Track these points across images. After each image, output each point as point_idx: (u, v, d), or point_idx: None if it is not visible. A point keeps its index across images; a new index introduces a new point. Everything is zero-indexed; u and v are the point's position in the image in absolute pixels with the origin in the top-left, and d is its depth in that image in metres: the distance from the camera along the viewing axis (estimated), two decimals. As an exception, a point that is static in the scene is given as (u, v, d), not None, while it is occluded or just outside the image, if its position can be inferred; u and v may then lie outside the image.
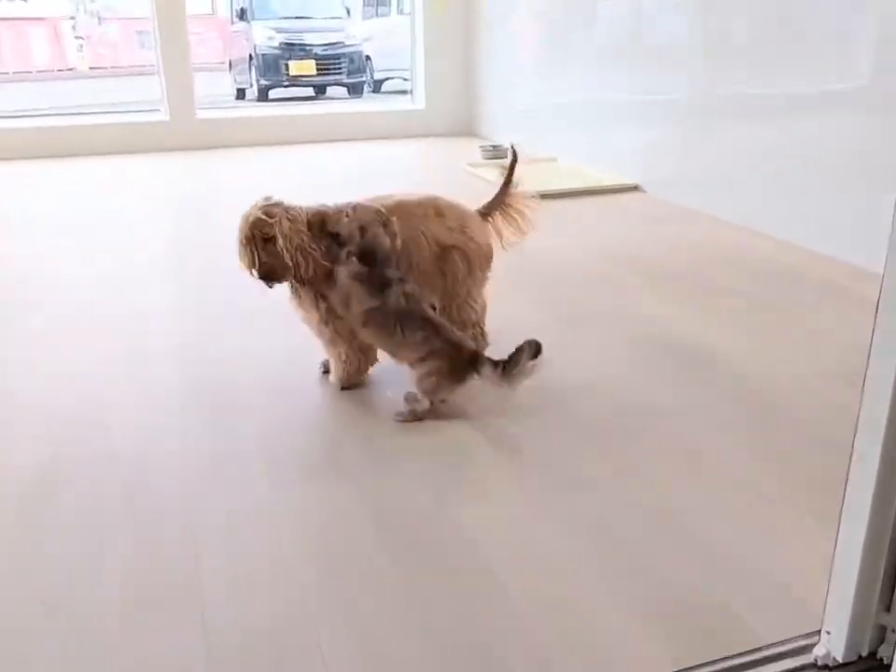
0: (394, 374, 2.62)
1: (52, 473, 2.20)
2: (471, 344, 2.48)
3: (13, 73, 16.78)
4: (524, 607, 1.69)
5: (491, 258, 2.80)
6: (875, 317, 1.29)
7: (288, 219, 2.45)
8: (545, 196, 5.19)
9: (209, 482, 2.16)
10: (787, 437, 2.35)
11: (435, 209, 2.69)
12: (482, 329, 2.84)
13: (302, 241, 2.44)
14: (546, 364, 2.82)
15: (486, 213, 2.85)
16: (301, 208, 2.51)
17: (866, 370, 1.32)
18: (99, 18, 17.90)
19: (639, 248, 4.19)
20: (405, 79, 9.37)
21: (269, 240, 2.45)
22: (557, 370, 2.82)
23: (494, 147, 6.68)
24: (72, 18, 17.73)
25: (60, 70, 17.47)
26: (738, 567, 1.79)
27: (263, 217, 2.45)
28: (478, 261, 2.73)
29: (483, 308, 2.85)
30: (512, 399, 2.60)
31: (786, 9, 4.15)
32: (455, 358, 2.40)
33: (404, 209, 2.61)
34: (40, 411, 2.56)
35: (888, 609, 1.41)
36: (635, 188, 5.43)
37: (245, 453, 2.30)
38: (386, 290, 2.42)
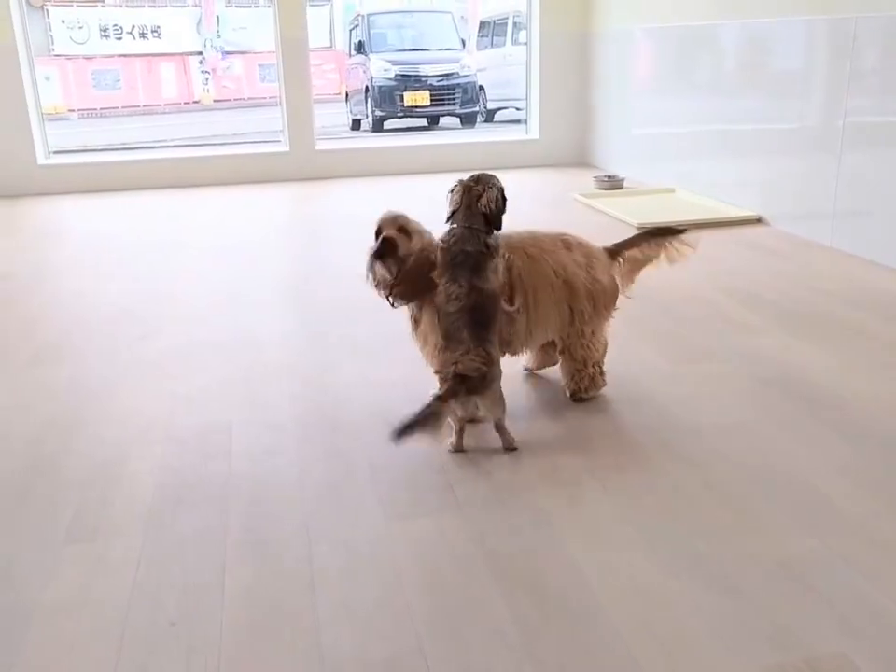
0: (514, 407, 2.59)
1: (174, 496, 2.25)
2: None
3: (143, 106, 17.66)
4: (637, 650, 1.63)
5: (616, 297, 2.74)
6: None
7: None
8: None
9: (325, 511, 2.16)
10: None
11: (564, 242, 2.67)
12: (600, 367, 2.79)
13: None
14: (665, 404, 2.76)
15: (616, 252, 2.79)
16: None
17: None
18: (223, 53, 18.68)
19: (763, 284, 4.04)
20: (518, 109, 9.42)
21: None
22: (675, 411, 2.73)
23: (609, 177, 6.62)
24: (199, 53, 18.58)
25: (186, 103, 18.30)
26: (866, 622, 1.68)
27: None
28: (603, 300, 2.69)
29: (605, 347, 2.79)
30: (634, 440, 2.53)
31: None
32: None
33: (534, 238, 2.66)
34: (161, 433, 2.64)
35: None
36: (757, 220, 5.26)
37: (360, 483, 2.30)
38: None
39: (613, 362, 3.07)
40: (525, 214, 5.99)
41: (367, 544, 2.02)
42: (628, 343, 3.29)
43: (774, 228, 5.12)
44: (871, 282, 3.99)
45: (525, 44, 8.26)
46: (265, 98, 15.92)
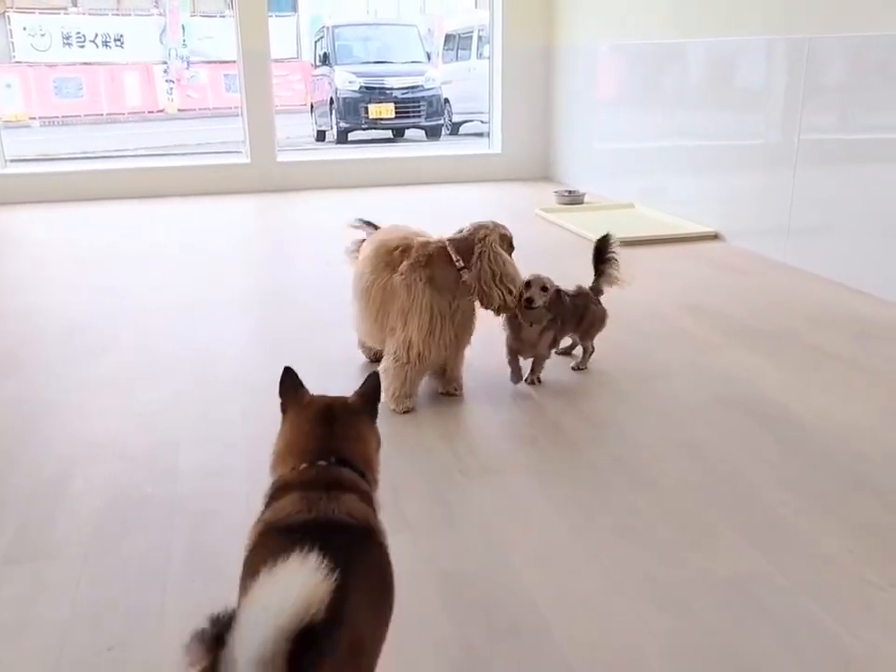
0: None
1: (119, 518, 2.21)
2: None
3: (106, 114, 17.47)
4: (579, 661, 1.63)
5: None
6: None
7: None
8: (621, 244, 5.16)
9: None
10: (874, 511, 2.23)
11: None
12: None
13: None
14: (622, 421, 2.77)
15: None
16: None
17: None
18: (188, 62, 18.55)
19: (721, 301, 4.07)
20: (483, 122, 9.44)
21: None
22: (631, 428, 2.74)
23: (569, 192, 6.65)
24: (163, 62, 18.43)
25: (150, 112, 18.13)
26: (812, 643, 1.69)
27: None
28: None
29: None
30: (590, 459, 2.54)
31: (881, 52, 4.04)
32: None
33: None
34: (109, 451, 2.59)
35: None
36: (714, 236, 5.32)
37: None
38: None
39: (569, 378, 3.08)
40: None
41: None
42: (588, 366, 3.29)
43: (730, 244, 5.17)
44: (827, 299, 4.04)
45: (489, 58, 8.29)
46: (230, 108, 15.82)
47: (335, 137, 13.65)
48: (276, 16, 17.35)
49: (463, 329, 2.91)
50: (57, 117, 17.05)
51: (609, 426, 2.76)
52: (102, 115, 17.57)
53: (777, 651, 1.68)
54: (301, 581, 0.91)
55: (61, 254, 5.32)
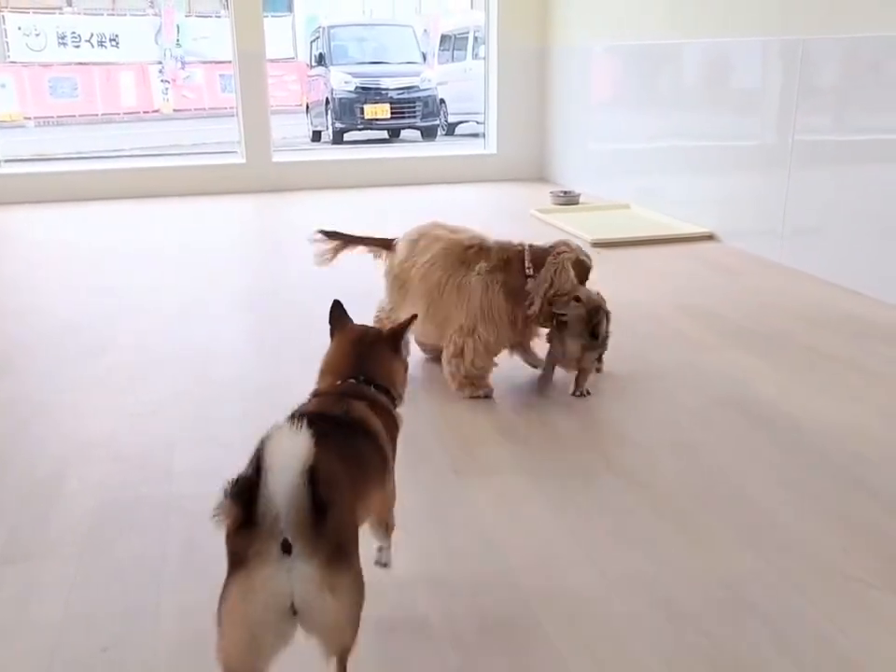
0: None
1: (113, 519, 2.21)
2: None
3: (101, 114, 17.44)
4: (564, 645, 1.63)
5: None
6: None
7: None
8: (616, 244, 5.18)
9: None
10: (870, 512, 2.23)
11: None
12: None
13: None
14: (617, 421, 2.77)
15: None
16: None
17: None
18: (183, 63, 18.53)
19: (716, 301, 4.08)
20: (478, 122, 9.45)
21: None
22: (626, 428, 2.75)
23: (565, 192, 6.66)
24: (159, 63, 18.41)
25: (145, 112, 18.11)
26: (804, 643, 1.70)
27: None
28: None
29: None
30: (584, 459, 2.54)
31: (875, 53, 4.05)
32: None
33: None
34: (103, 451, 2.59)
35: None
36: (710, 236, 5.32)
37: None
38: None
39: (564, 379, 3.08)
40: (483, 228, 6.00)
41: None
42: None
43: (725, 244, 5.18)
44: (822, 300, 4.05)
45: (484, 59, 8.29)
46: (226, 108, 15.80)
47: (331, 138, 13.65)
48: (272, 16, 17.34)
49: (526, 336, 3.06)
50: (52, 117, 17.01)
51: (604, 426, 2.76)
52: (97, 115, 17.54)
53: (771, 651, 1.69)
54: (297, 437, 1.24)
55: (56, 254, 5.32)
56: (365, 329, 1.84)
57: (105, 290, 4.40)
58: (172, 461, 2.51)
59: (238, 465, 2.38)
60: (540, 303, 2.86)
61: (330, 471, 1.33)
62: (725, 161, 5.25)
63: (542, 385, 3.04)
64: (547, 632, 1.75)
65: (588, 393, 2.99)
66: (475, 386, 2.98)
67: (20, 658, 1.68)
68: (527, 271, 2.91)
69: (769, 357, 3.32)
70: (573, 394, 2.98)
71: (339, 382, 1.71)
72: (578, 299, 2.86)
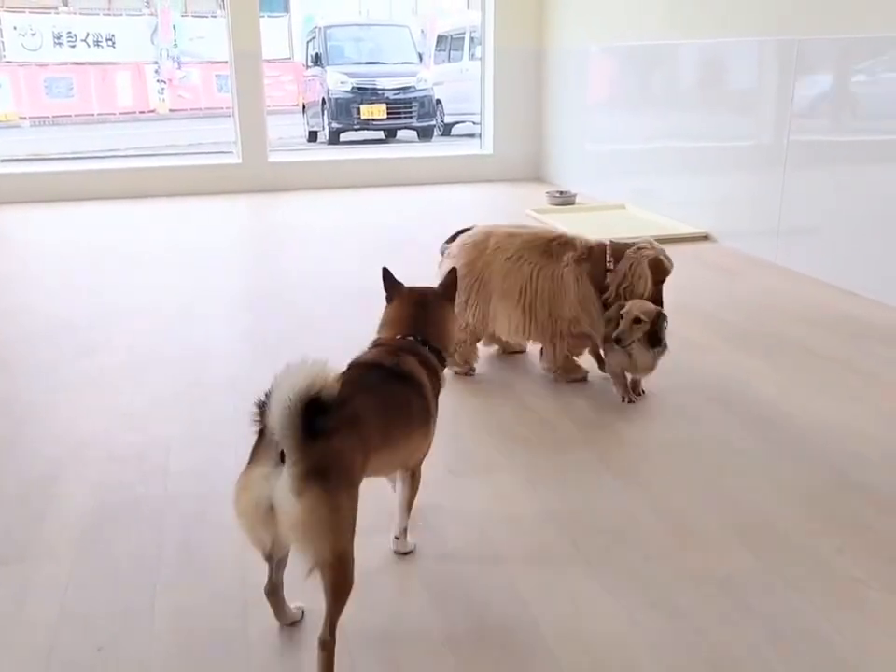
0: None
1: (109, 518, 2.20)
2: None
3: (97, 114, 17.41)
4: (568, 662, 1.64)
5: None
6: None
7: None
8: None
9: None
10: (867, 512, 2.24)
11: None
12: None
13: None
14: (610, 420, 2.77)
15: None
16: None
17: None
18: (179, 63, 18.50)
19: (712, 301, 4.08)
20: (475, 123, 9.44)
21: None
22: (620, 426, 2.75)
23: (561, 192, 6.66)
24: (155, 63, 18.38)
25: (141, 112, 18.08)
26: (799, 641, 1.70)
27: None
28: None
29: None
30: (578, 457, 2.54)
31: (870, 54, 4.06)
32: None
33: None
34: (99, 451, 2.58)
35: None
36: (705, 237, 5.33)
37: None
38: None
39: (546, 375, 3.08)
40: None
41: (304, 571, 1.98)
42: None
43: (721, 245, 5.18)
44: (818, 300, 4.05)
45: (480, 59, 8.29)
46: (222, 108, 15.76)
47: (327, 138, 13.63)
48: (268, 16, 17.33)
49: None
50: (48, 116, 16.97)
51: (601, 425, 2.76)
52: (93, 115, 17.50)
53: (766, 650, 1.69)
54: (304, 371, 1.50)
55: (51, 254, 5.30)
56: (424, 291, 2.04)
57: (98, 290, 4.39)
58: (168, 461, 2.51)
59: (234, 465, 2.39)
60: (614, 296, 2.92)
61: (351, 407, 1.60)
62: (721, 161, 5.25)
63: (624, 393, 2.94)
64: (542, 629, 1.75)
65: (643, 392, 3.00)
66: (573, 371, 3.10)
67: (16, 658, 1.68)
68: (608, 264, 2.96)
69: (765, 357, 3.32)
70: (627, 401, 2.92)
71: (398, 336, 1.94)
72: (638, 320, 2.77)
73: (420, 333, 1.95)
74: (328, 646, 1.56)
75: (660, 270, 2.97)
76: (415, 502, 2.01)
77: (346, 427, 1.57)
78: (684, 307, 3.98)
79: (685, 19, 5.59)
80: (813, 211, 4.43)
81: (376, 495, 2.26)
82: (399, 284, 2.07)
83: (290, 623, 1.76)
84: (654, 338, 2.81)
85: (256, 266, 5.15)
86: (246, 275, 4.88)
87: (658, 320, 2.82)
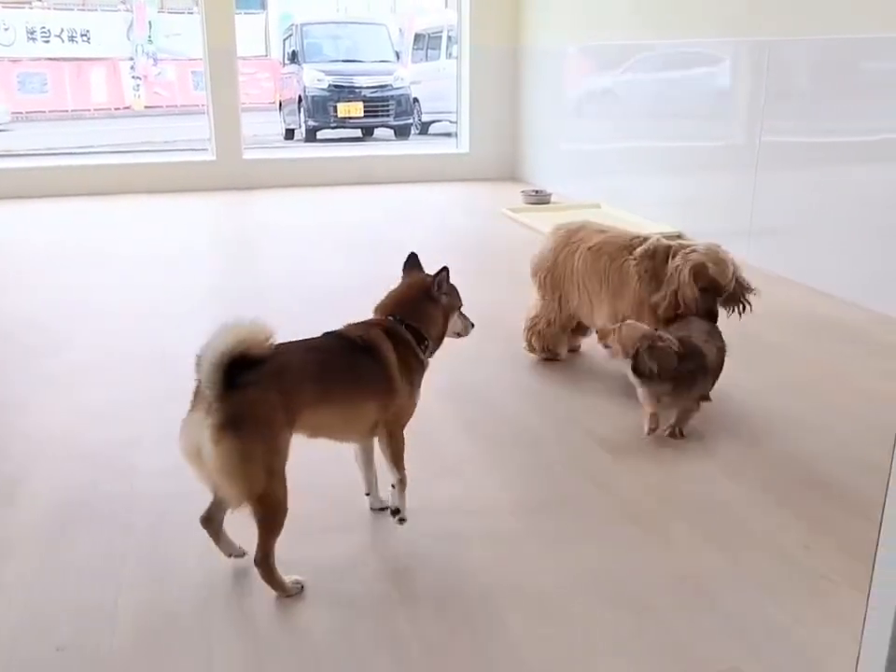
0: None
1: (74, 517, 2.18)
2: None
3: (72, 110, 17.25)
4: (538, 666, 1.64)
5: None
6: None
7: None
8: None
9: (232, 529, 2.12)
10: (832, 510, 2.26)
11: None
12: None
13: None
14: (581, 421, 2.78)
15: None
16: None
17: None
18: (155, 59, 18.37)
19: (680, 298, 4.10)
20: (452, 122, 9.45)
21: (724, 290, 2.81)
22: (590, 425, 2.76)
23: (536, 192, 6.68)
24: (130, 59, 18.24)
25: (116, 108, 17.93)
26: (762, 637, 1.71)
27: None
28: None
29: None
30: (547, 458, 2.55)
31: (841, 55, 4.10)
32: None
33: None
34: (66, 450, 2.56)
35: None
36: (678, 237, 5.35)
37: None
38: None
39: (531, 377, 3.09)
40: (454, 227, 6.01)
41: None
42: (542, 361, 3.31)
43: (695, 244, 5.21)
44: (789, 300, 4.08)
45: (457, 59, 8.30)
46: (198, 105, 15.63)
47: (304, 136, 13.58)
48: (245, 13, 17.26)
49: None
50: (21, 112, 16.79)
51: (571, 424, 2.77)
52: (67, 111, 17.34)
53: (731, 646, 1.70)
54: (236, 329, 1.72)
55: (20, 252, 5.25)
56: (416, 278, 2.15)
57: (69, 288, 4.35)
58: (135, 460, 2.49)
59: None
60: (666, 304, 2.82)
61: (276, 363, 1.76)
62: (694, 161, 5.29)
63: (651, 424, 2.63)
64: (508, 624, 1.75)
65: (683, 434, 2.63)
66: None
67: (-26, 658, 1.66)
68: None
69: (734, 355, 3.34)
70: (669, 433, 2.63)
71: (383, 317, 2.06)
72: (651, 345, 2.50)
73: (400, 313, 2.06)
74: (261, 564, 1.78)
75: (702, 276, 2.78)
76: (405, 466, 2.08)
77: (266, 381, 1.72)
78: (656, 306, 4.00)
79: (659, 19, 5.61)
80: (784, 212, 4.47)
81: (344, 492, 2.26)
82: (411, 269, 2.20)
83: (230, 554, 1.93)
84: (636, 368, 2.51)
85: (229, 264, 5.13)
86: (220, 273, 4.85)
87: (640, 348, 2.49)
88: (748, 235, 4.73)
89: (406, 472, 2.09)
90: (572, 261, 3.12)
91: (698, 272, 2.79)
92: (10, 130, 15.18)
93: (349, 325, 2.03)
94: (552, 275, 3.21)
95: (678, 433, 2.63)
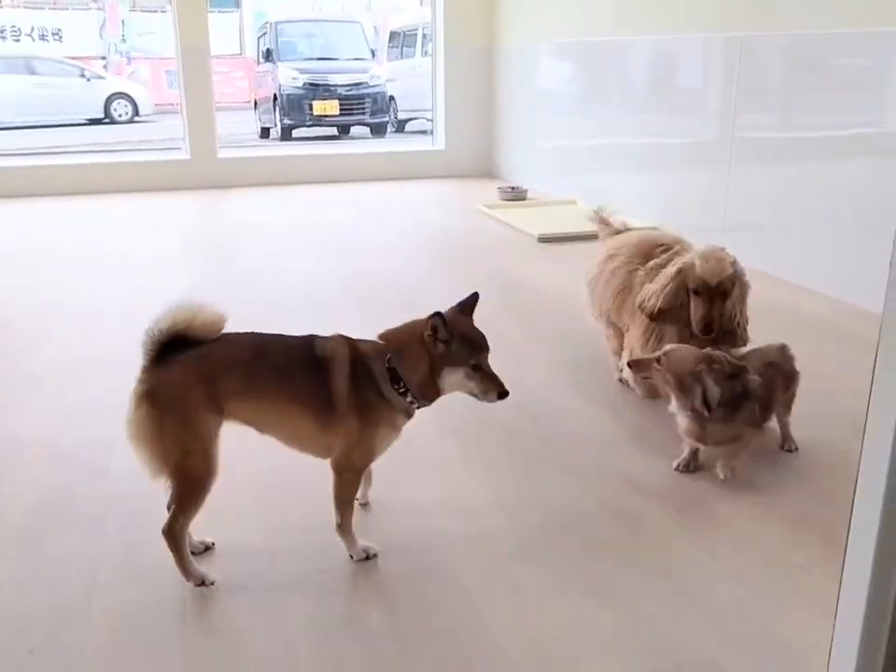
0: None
1: (49, 517, 2.16)
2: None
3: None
4: (516, 660, 1.64)
5: None
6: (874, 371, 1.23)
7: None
8: (562, 239, 5.21)
9: (209, 528, 2.10)
10: (809, 502, 2.28)
11: None
12: None
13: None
14: (559, 414, 2.78)
15: None
16: None
17: (866, 420, 1.25)
18: (128, 58, 18.23)
19: (656, 293, 4.12)
20: (428, 120, 9.44)
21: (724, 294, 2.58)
22: (569, 414, 2.76)
23: (512, 188, 6.69)
24: (103, 58, 18.09)
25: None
26: (740, 629, 1.72)
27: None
28: None
29: None
30: (526, 452, 2.55)
31: (813, 50, 4.13)
32: None
33: None
34: (42, 450, 2.53)
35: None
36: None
37: (247, 500, 2.25)
38: None
39: (505, 367, 3.08)
40: (431, 224, 6.01)
41: (249, 561, 1.97)
42: (521, 356, 3.31)
43: (670, 239, 5.23)
44: (762, 294, 4.09)
45: (432, 56, 8.29)
46: (172, 105, 15.51)
47: (279, 134, 13.52)
48: (219, 12, 17.13)
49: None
50: (-8, 111, 16.60)
51: (545, 415, 2.77)
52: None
53: (708, 637, 1.71)
54: (181, 308, 1.83)
55: (-7, 252, 5.20)
56: (424, 321, 1.86)
57: (42, 288, 4.31)
58: (110, 460, 2.47)
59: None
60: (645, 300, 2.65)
61: (207, 349, 1.82)
62: (669, 157, 5.31)
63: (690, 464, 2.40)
64: (487, 620, 1.75)
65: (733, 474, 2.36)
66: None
67: (-54, 662, 1.64)
68: None
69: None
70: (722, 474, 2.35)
71: (379, 342, 1.90)
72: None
73: (390, 347, 1.88)
74: (168, 535, 1.82)
75: (690, 276, 2.55)
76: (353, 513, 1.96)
77: (189, 363, 1.78)
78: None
79: (633, 16, 5.63)
80: (757, 207, 4.50)
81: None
82: (457, 309, 1.93)
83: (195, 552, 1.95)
84: (706, 398, 2.22)
85: (204, 263, 5.09)
86: (194, 273, 4.82)
87: (702, 373, 2.24)
88: (721, 229, 4.75)
89: (350, 519, 1.94)
90: (609, 269, 2.94)
91: (685, 273, 2.58)
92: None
93: (335, 334, 1.92)
94: (593, 279, 3.00)
95: (728, 473, 2.34)
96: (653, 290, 2.64)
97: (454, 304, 1.94)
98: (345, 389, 1.84)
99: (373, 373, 1.86)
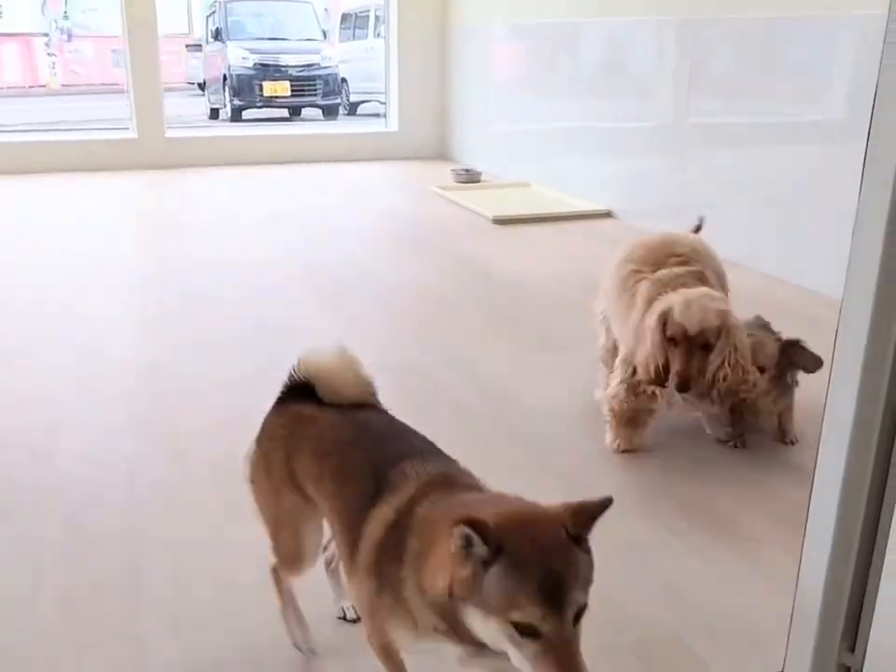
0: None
1: (-10, 503, 2.09)
2: None
3: (-17, 88, 16.61)
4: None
5: None
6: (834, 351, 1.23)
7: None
8: (517, 221, 5.21)
9: (158, 514, 2.05)
10: (764, 475, 2.30)
11: None
12: None
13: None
14: (514, 390, 2.77)
15: None
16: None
17: (826, 397, 1.25)
18: (70, 35, 17.75)
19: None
20: (381, 102, 9.36)
21: (706, 347, 2.22)
22: (530, 397, 2.75)
23: (466, 170, 6.65)
24: (45, 35, 17.59)
25: (31, 87, 17.30)
26: (699, 602, 1.73)
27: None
28: None
29: None
30: (482, 425, 2.53)
31: (763, 35, 4.15)
32: None
33: None
34: (-17, 436, 2.45)
35: (851, 650, 1.33)
36: (607, 214, 5.40)
37: (200, 484, 2.20)
38: None
39: (462, 351, 3.07)
40: (384, 205, 5.96)
41: (201, 547, 1.92)
42: (481, 331, 3.29)
43: (623, 222, 5.25)
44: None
45: (385, 37, 8.21)
46: (118, 84, 15.14)
47: (229, 115, 13.30)
48: (166, -11, 16.73)
49: None
50: (-73, 89, 16.11)
51: (506, 397, 2.76)
52: (-24, 88, 16.69)
53: (666, 610, 1.71)
54: (327, 359, 1.56)
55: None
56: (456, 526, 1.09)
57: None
58: (55, 444, 2.39)
59: (126, 448, 2.29)
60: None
61: (307, 414, 1.52)
62: (624, 141, 5.32)
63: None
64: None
65: (743, 445, 2.44)
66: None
67: None
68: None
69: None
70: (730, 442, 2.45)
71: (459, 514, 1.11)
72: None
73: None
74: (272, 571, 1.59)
75: (669, 323, 2.23)
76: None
77: (287, 417, 1.54)
78: (586, 281, 4.02)
79: (587, -3, 5.63)
80: (709, 189, 4.52)
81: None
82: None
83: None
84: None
85: (150, 246, 4.98)
86: (140, 255, 4.71)
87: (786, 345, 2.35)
88: (677, 212, 4.77)
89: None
90: (612, 273, 2.69)
91: (665, 316, 2.24)
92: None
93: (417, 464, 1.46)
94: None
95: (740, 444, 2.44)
96: (645, 355, 2.29)
97: (567, 504, 1.20)
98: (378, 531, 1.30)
99: (402, 541, 1.25)
